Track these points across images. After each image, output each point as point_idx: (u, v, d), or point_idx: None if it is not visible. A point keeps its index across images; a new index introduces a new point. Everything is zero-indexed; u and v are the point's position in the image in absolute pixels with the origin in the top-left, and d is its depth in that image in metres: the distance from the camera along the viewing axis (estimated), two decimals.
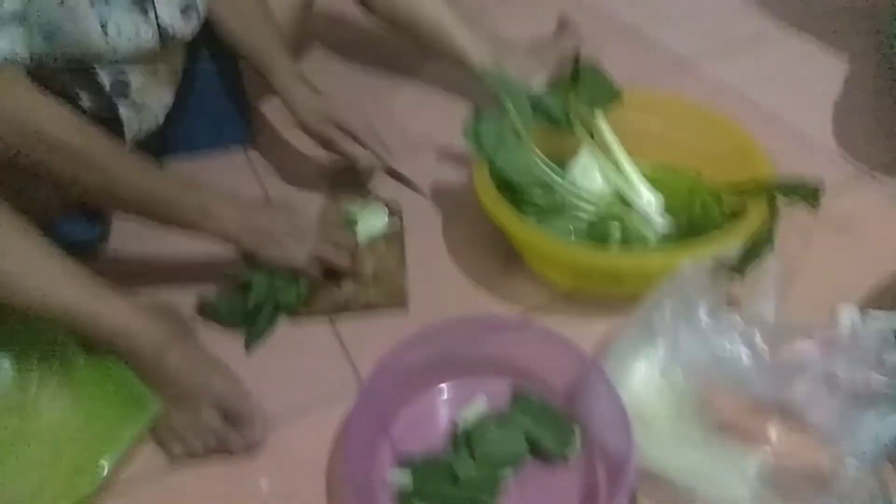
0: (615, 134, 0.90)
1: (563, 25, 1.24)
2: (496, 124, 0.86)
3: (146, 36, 0.83)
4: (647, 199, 0.87)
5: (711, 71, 1.23)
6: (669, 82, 1.22)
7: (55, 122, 0.69)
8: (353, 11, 1.16)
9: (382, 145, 0.97)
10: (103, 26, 0.78)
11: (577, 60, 0.93)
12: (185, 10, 0.88)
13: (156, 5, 0.83)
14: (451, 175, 1.05)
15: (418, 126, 1.16)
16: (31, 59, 0.73)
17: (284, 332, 0.85)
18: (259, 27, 0.98)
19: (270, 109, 1.16)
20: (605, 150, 0.90)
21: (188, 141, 1.09)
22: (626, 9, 1.42)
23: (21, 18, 0.71)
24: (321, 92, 0.98)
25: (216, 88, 1.07)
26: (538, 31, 1.24)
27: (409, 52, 1.25)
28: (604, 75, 0.93)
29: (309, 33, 1.33)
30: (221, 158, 1.11)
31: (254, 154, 1.12)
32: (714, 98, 1.16)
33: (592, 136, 0.91)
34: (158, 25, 0.84)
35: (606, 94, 0.92)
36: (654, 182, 0.88)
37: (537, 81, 1.12)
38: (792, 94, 1.16)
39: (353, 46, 1.35)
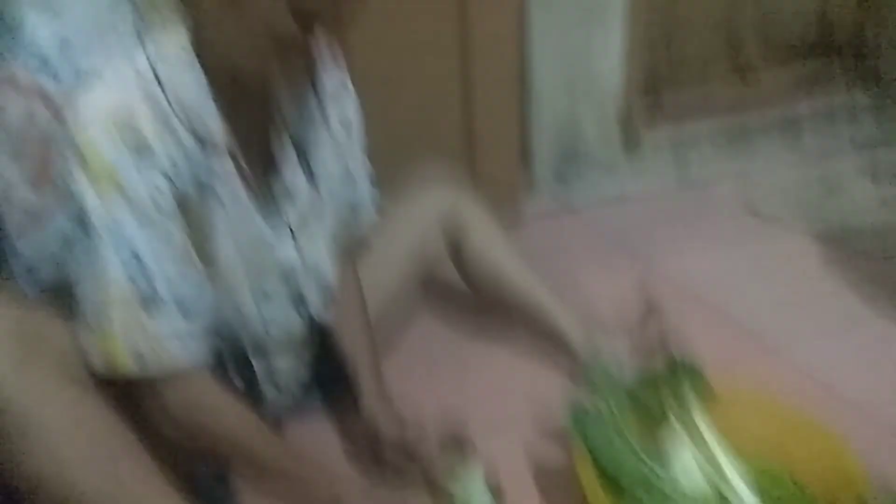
0: (712, 429, 0.94)
1: (650, 307, 1.34)
2: (598, 418, 0.92)
3: (297, 327, 0.96)
4: (744, 496, 0.89)
5: (801, 357, 1.28)
6: (756, 367, 1.26)
7: (240, 428, 0.82)
8: (459, 282, 1.30)
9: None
10: (263, 321, 0.92)
11: (670, 354, 1.01)
12: (323, 298, 1.01)
13: (308, 299, 0.97)
14: (549, 452, 1.09)
15: (515, 396, 1.23)
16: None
17: None
18: (360, 339, 1.09)
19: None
20: (702, 446, 0.94)
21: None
22: (712, 289, 1.50)
23: (209, 326, 0.85)
24: (401, 418, 1.06)
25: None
26: (620, 298, 1.33)
27: (508, 323, 1.35)
28: (698, 370, 1.00)
29: (417, 299, 1.47)
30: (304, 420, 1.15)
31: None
32: (803, 386, 1.20)
33: (689, 431, 0.95)
34: (310, 316, 0.98)
35: (700, 390, 0.97)
36: (754, 486, 0.90)
37: (630, 365, 1.19)
38: (889, 391, 1.18)
39: (455, 313, 1.47)
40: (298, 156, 0.95)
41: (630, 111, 1.96)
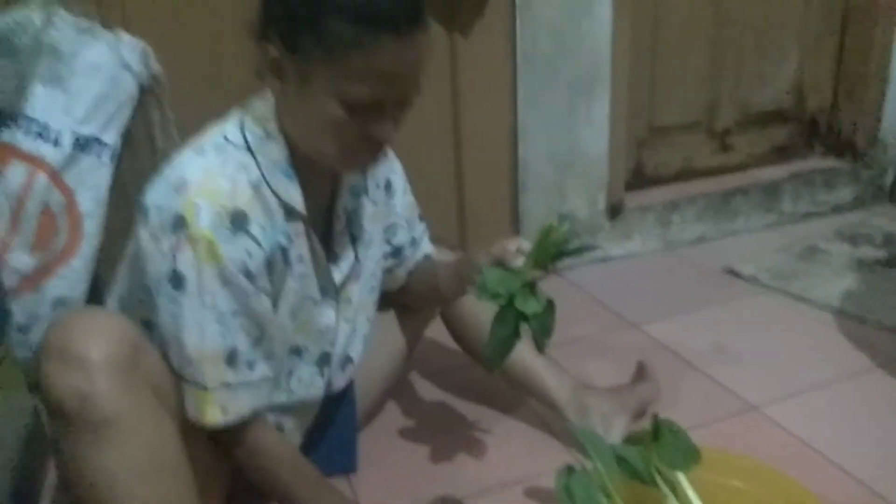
0: (697, 493, 0.96)
1: (641, 370, 1.37)
2: (586, 481, 0.93)
3: (317, 388, 1.00)
4: None
5: (780, 413, 1.31)
6: (738, 428, 1.29)
7: (294, 475, 0.92)
8: (452, 344, 1.33)
9: None
10: (288, 375, 0.96)
11: (656, 415, 1.03)
12: (343, 366, 1.06)
13: (332, 363, 1.02)
14: None
15: (509, 458, 1.23)
16: None
17: None
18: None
19: (372, 439, 1.28)
20: None
21: None
22: (706, 355, 1.53)
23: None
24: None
25: (336, 421, 1.18)
26: (606, 358, 1.36)
27: (501, 388, 1.37)
28: (684, 436, 1.01)
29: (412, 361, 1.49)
30: None
31: (356, 481, 1.19)
32: (782, 442, 1.23)
33: (676, 494, 0.97)
34: (329, 381, 1.02)
35: (686, 455, 0.99)
36: None
37: (618, 426, 1.21)
38: (865, 447, 1.21)
39: (448, 376, 1.49)
40: (346, 223, 1.04)
41: (613, 176, 2.03)
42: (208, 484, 0.92)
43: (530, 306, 0.97)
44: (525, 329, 0.98)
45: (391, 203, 1.16)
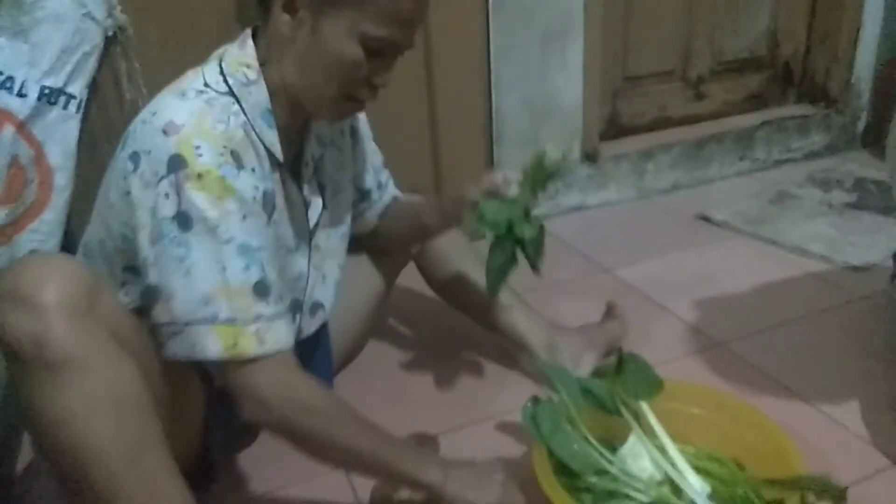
0: (660, 421, 1.00)
1: (610, 310, 1.40)
2: (552, 411, 0.97)
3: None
4: (696, 486, 0.94)
5: (749, 354, 1.34)
6: (704, 363, 1.32)
7: (334, 410, 0.88)
8: (427, 291, 1.35)
9: None
10: None
11: (621, 352, 1.06)
12: (313, 313, 1.09)
13: (302, 311, 1.04)
14: (511, 448, 1.13)
15: (481, 397, 1.27)
16: None
17: None
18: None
19: (347, 382, 1.30)
20: (651, 435, 0.99)
21: None
22: (675, 296, 1.57)
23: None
24: None
25: (311, 365, 1.16)
26: (578, 301, 1.39)
27: (474, 331, 1.38)
28: (647, 367, 1.05)
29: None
30: None
31: None
32: (746, 375, 1.27)
33: (639, 421, 1.00)
34: (299, 327, 1.03)
35: (650, 385, 1.03)
36: (699, 470, 0.95)
37: (587, 362, 1.24)
38: (828, 380, 1.25)
39: (421, 317, 1.52)
40: (314, 171, 1.05)
41: (588, 125, 2.03)
42: (180, 430, 0.92)
43: (527, 231, 1.04)
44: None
45: (357, 149, 1.17)
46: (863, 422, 1.14)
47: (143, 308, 0.86)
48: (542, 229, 1.07)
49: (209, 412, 0.99)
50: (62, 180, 1.31)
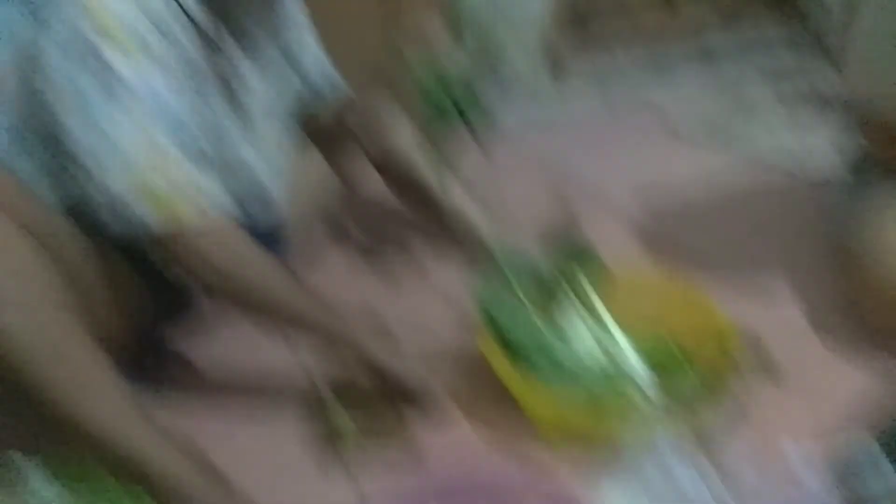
0: (605, 304, 1.02)
1: (561, 205, 1.40)
2: (502, 295, 0.99)
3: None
4: (636, 364, 0.97)
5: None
6: (649, 256, 1.38)
7: (268, 275, 0.89)
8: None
9: None
10: None
11: (568, 235, 1.07)
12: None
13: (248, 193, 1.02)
14: (462, 337, 1.15)
15: (430, 288, 1.30)
16: None
17: None
18: None
19: None
20: (596, 319, 1.02)
21: None
22: (623, 198, 1.61)
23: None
24: None
25: None
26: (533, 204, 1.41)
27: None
28: (595, 254, 1.07)
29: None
30: None
31: None
32: (690, 261, 1.32)
33: (585, 306, 1.03)
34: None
35: (596, 271, 1.05)
36: (639, 350, 0.99)
37: (534, 250, 1.26)
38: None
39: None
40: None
41: (555, 38, 2.01)
42: (107, 297, 0.92)
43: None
44: None
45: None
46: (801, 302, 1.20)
47: None
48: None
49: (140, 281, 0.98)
50: None
